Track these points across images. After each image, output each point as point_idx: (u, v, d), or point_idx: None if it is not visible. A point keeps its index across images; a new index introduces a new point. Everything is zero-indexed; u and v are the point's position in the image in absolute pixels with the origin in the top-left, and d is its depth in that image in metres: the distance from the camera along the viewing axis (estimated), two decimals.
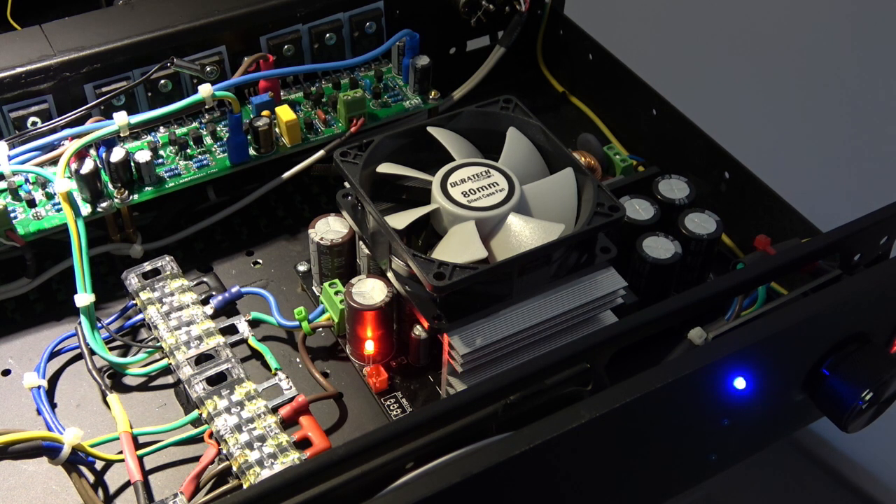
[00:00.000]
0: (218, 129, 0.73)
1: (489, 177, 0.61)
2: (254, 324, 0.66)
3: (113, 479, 0.59)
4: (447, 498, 0.45)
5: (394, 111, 0.76)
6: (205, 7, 0.73)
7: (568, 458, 0.51)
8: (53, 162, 0.66)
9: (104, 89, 0.70)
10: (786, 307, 0.55)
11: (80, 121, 0.68)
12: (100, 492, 0.58)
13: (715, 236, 0.67)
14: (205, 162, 0.71)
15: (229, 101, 0.69)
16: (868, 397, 0.58)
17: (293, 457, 0.57)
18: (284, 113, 0.72)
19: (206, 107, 0.72)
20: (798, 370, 0.59)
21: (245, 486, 0.56)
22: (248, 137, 0.71)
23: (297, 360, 0.66)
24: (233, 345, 0.64)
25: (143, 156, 0.68)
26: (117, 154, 0.67)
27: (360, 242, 0.64)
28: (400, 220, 0.59)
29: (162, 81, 0.71)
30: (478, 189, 0.60)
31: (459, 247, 0.58)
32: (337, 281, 0.65)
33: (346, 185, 0.63)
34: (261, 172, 0.73)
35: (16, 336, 0.67)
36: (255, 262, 0.73)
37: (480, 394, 0.50)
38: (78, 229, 0.63)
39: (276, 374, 0.63)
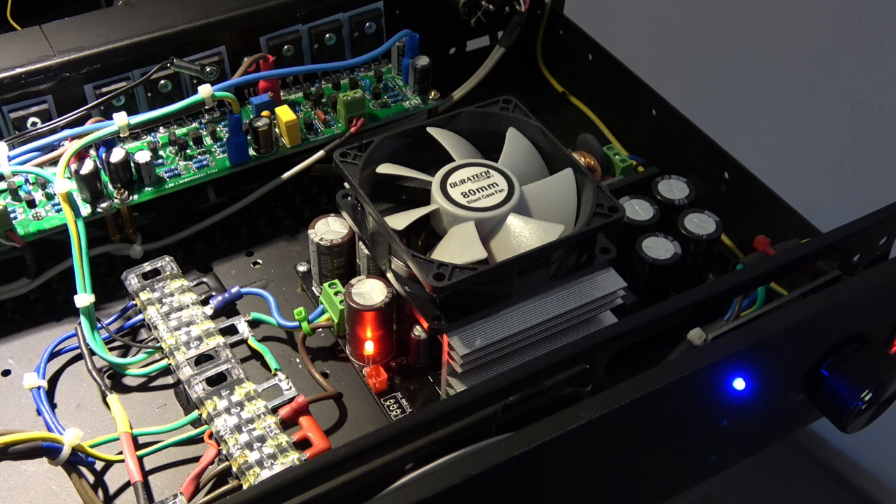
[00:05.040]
0: (218, 129, 0.73)
1: (489, 177, 0.61)
2: (254, 324, 0.66)
3: (113, 480, 0.59)
4: (447, 499, 0.45)
5: (393, 111, 0.76)
6: (205, 7, 0.73)
7: (567, 460, 0.51)
8: (53, 162, 0.67)
9: (104, 90, 0.70)
10: (785, 308, 0.55)
11: (79, 121, 0.68)
12: (100, 492, 0.58)
13: (714, 237, 0.67)
14: (205, 162, 0.71)
15: (229, 101, 0.69)
16: (867, 398, 0.58)
17: (293, 457, 0.57)
18: (284, 113, 0.72)
19: (206, 107, 0.72)
20: (797, 370, 0.59)
21: (245, 487, 0.56)
22: (248, 138, 0.71)
23: (297, 360, 0.66)
24: (233, 345, 0.64)
25: (143, 156, 0.68)
26: (117, 154, 0.67)
27: (360, 243, 0.64)
28: (399, 221, 0.59)
29: (162, 82, 0.71)
30: (477, 189, 0.60)
31: (459, 247, 0.58)
32: (337, 281, 0.65)
33: (346, 185, 0.63)
34: (261, 173, 0.73)
35: (16, 336, 0.67)
36: (255, 263, 0.73)
37: (480, 395, 0.50)
38: (78, 230, 0.63)
39: (275, 375, 0.63)
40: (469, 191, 0.60)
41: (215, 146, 0.72)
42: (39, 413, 0.61)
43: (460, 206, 0.59)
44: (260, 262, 0.73)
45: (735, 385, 0.54)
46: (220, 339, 0.63)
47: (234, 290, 0.67)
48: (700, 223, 0.67)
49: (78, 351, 0.64)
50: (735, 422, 0.58)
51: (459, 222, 0.59)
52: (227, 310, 0.67)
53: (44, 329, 0.67)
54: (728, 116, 0.95)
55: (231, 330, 0.65)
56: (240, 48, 0.74)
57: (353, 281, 0.63)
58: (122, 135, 0.67)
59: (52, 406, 0.62)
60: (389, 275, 0.61)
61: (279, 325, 0.66)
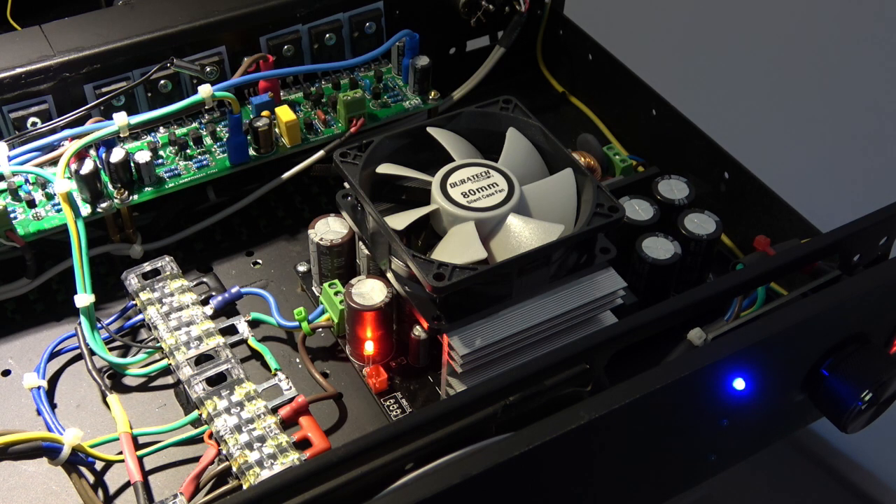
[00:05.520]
0: (218, 129, 0.73)
1: (489, 177, 0.61)
2: (254, 324, 0.66)
3: (113, 480, 0.59)
4: (447, 499, 0.45)
5: (393, 111, 0.76)
6: (205, 7, 0.73)
7: (567, 460, 0.51)
8: (53, 162, 0.67)
9: (104, 90, 0.70)
10: (785, 308, 0.55)
11: (79, 121, 0.68)
12: (100, 492, 0.58)
13: (714, 237, 0.67)
14: (205, 162, 0.71)
15: (229, 101, 0.69)
16: (867, 398, 0.58)
17: (293, 457, 0.57)
18: (284, 113, 0.72)
19: (206, 107, 0.72)
20: (797, 370, 0.59)
21: (245, 487, 0.56)
22: (248, 138, 0.71)
23: (297, 360, 0.66)
24: (233, 345, 0.64)
25: (143, 156, 0.68)
26: (117, 154, 0.67)
27: (360, 243, 0.64)
28: (399, 221, 0.59)
29: (162, 82, 0.71)
30: (477, 189, 0.60)
31: (459, 247, 0.58)
32: (337, 281, 0.65)
33: (346, 185, 0.63)
34: (261, 173, 0.73)
35: (16, 336, 0.67)
36: (255, 263, 0.73)
37: (480, 395, 0.50)
38: (78, 230, 0.63)
39: (275, 375, 0.63)
40: (469, 191, 0.60)
41: (215, 146, 0.72)
42: (39, 413, 0.61)
43: (460, 206, 0.59)
44: (260, 262, 0.73)
45: (735, 385, 0.54)
46: (220, 339, 0.63)
47: (234, 290, 0.67)
48: (700, 223, 0.67)
49: (78, 351, 0.64)
50: (735, 422, 0.58)
51: (459, 222, 0.59)
52: (227, 310, 0.67)
53: (44, 329, 0.67)
54: (728, 116, 0.95)
55: (231, 330, 0.65)
56: (240, 48, 0.74)
57: (353, 281, 0.63)
58: (122, 135, 0.67)
59: (52, 406, 0.62)
60: (389, 275, 0.61)
61: (279, 325, 0.66)
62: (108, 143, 0.67)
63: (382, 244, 0.61)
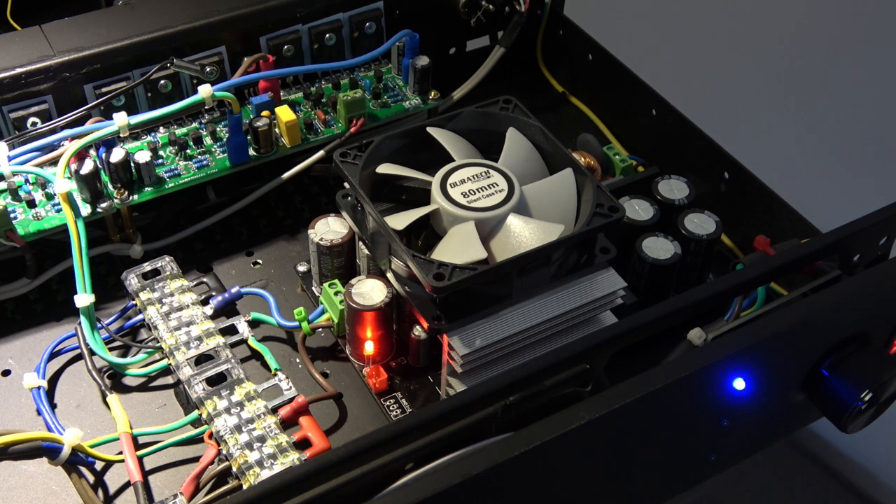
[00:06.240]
0: (218, 129, 0.73)
1: (489, 177, 0.61)
2: (254, 324, 0.66)
3: (113, 480, 0.59)
4: (447, 499, 0.45)
5: (393, 111, 0.76)
6: (205, 7, 0.73)
7: (567, 459, 0.51)
8: (53, 162, 0.67)
9: (104, 90, 0.70)
10: (785, 308, 0.55)
11: (79, 121, 0.68)
12: (100, 492, 0.58)
13: (714, 237, 0.67)
14: (205, 162, 0.71)
15: (229, 101, 0.69)
16: (867, 398, 0.58)
17: (293, 457, 0.57)
18: (284, 113, 0.72)
19: (206, 107, 0.72)
20: (797, 370, 0.59)
21: (245, 487, 0.56)
22: (248, 138, 0.71)
23: (297, 360, 0.66)
24: (233, 345, 0.64)
25: (143, 156, 0.68)
26: (117, 154, 0.67)
27: (360, 243, 0.64)
28: (399, 221, 0.59)
29: (162, 82, 0.71)
30: (477, 189, 0.60)
31: (459, 247, 0.58)
32: (337, 281, 0.65)
33: (346, 185, 0.63)
34: (261, 173, 0.73)
35: (16, 336, 0.67)
36: (255, 263, 0.73)
37: (480, 394, 0.50)
38: (78, 230, 0.63)
39: (275, 375, 0.63)
40: (469, 191, 0.60)
41: (215, 146, 0.72)
42: (39, 413, 0.61)
43: (460, 206, 0.59)
44: (260, 262, 0.73)
45: (735, 385, 0.54)
46: (220, 339, 0.63)
47: (234, 290, 0.67)
48: (700, 223, 0.67)
49: (78, 351, 0.64)
50: (735, 422, 0.58)
51: (459, 222, 0.59)
52: (227, 310, 0.67)
53: (44, 329, 0.67)
54: (728, 116, 0.95)
55: (231, 330, 0.65)
56: (240, 48, 0.74)
57: (353, 281, 0.63)
58: (122, 135, 0.67)
59: (52, 406, 0.62)
60: (389, 275, 0.61)
61: (279, 325, 0.66)
62: (108, 143, 0.67)
63: (382, 244, 0.61)
